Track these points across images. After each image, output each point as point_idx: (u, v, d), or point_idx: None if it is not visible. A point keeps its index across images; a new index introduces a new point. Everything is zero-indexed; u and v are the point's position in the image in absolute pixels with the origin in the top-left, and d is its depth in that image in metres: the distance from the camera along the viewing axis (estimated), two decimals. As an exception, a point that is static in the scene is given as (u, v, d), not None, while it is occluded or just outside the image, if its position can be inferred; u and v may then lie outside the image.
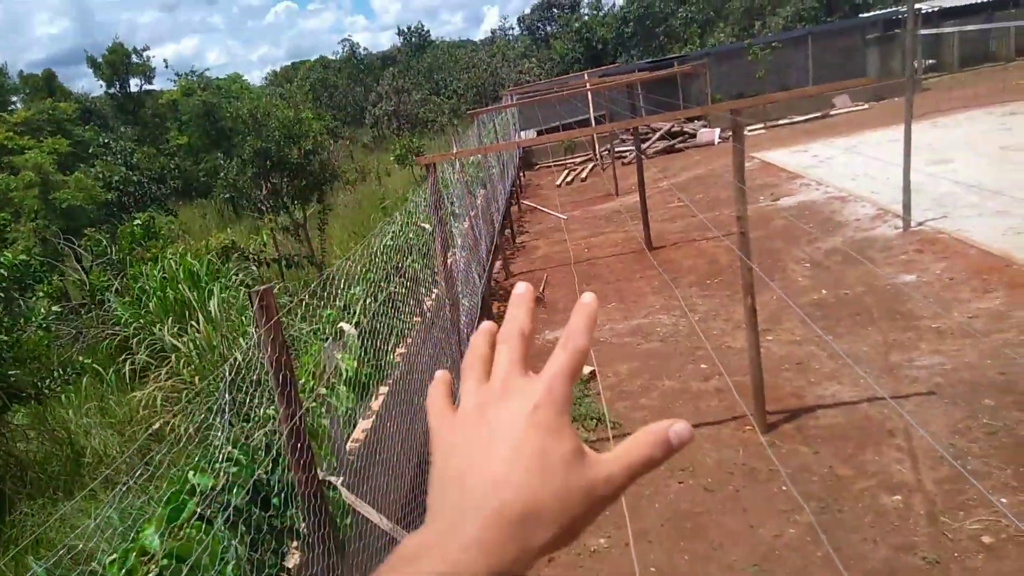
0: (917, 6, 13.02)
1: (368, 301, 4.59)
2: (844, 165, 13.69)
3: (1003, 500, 4.49)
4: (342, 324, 3.88)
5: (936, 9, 26.09)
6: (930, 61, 25.16)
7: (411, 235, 5.75)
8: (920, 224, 9.52)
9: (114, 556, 2.01)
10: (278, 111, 13.85)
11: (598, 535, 4.98)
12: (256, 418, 2.98)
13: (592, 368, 7.46)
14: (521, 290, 0.58)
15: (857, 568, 4.20)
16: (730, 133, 6.64)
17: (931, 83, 23.10)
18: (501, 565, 0.45)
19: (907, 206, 9.40)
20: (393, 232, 5.53)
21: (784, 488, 5.06)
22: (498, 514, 0.46)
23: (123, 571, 1.91)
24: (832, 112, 21.44)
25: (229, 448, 2.45)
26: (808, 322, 6.67)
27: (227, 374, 2.49)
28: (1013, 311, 6.82)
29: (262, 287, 2.20)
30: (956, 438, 5.18)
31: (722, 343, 7.56)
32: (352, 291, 4.51)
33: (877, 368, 6.37)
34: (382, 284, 4.96)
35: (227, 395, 2.43)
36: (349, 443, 4.29)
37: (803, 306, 8.01)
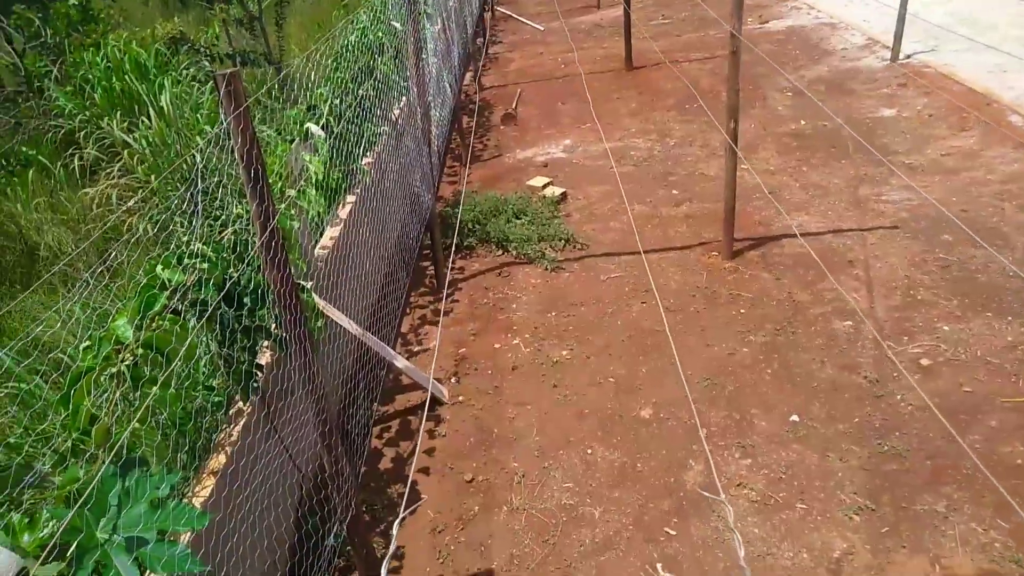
0: None
1: (336, 103, 4.29)
2: (838, -12, 12.92)
3: (944, 328, 4.74)
4: (309, 124, 3.64)
5: None
6: None
7: (380, 34, 5.30)
8: (908, 57, 9.21)
9: (87, 344, 1.96)
10: None
11: (560, 348, 5.16)
12: (224, 217, 2.85)
13: (563, 190, 7.37)
14: None
15: (803, 385, 4.47)
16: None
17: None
18: None
19: (899, 36, 9.02)
20: (362, 27, 5.08)
21: (743, 311, 5.24)
22: None
23: (97, 359, 1.87)
24: (832, -72, 19.91)
25: (199, 244, 2.34)
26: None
27: (199, 162, 2.32)
28: (985, 150, 6.82)
29: (228, 70, 1.97)
30: (911, 270, 5.35)
31: (695, 170, 7.48)
32: (318, 90, 4.20)
33: (846, 201, 6.42)
34: (350, 85, 4.63)
35: (199, 185, 2.28)
36: (318, 249, 4.22)
37: (781, 136, 7.89)
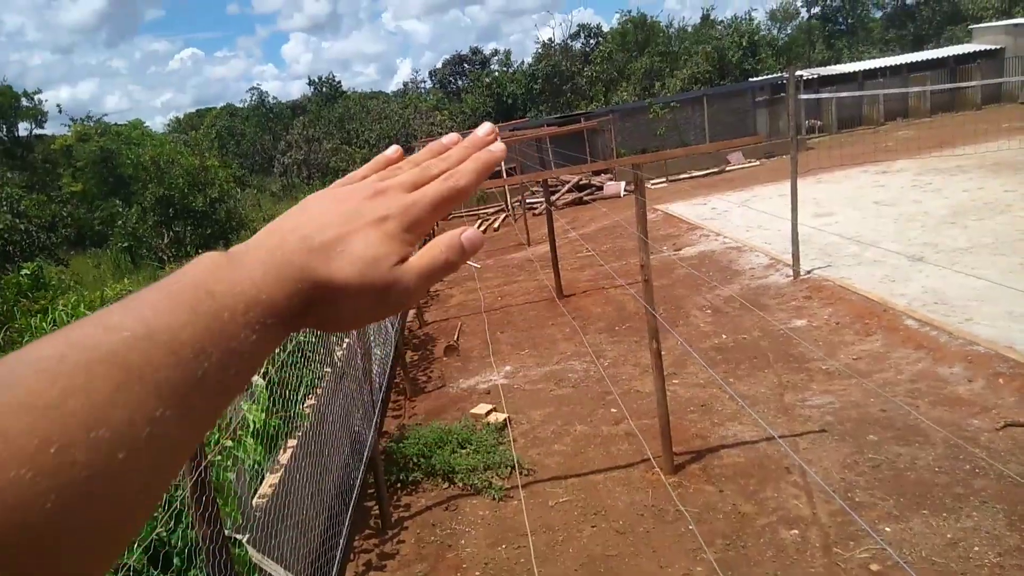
0: (798, 73, 14.17)
1: (277, 351, 4.50)
2: (739, 217, 14.55)
3: (887, 529, 4.80)
4: (250, 374, 3.78)
5: (816, 76, 28.43)
6: (816, 122, 27.27)
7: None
8: (808, 272, 10.21)
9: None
10: (182, 158, 13.45)
11: (513, 583, 4.97)
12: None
13: (506, 415, 7.51)
14: (485, 130, 0.59)
15: (760, 602, 4.37)
16: (634, 186, 6.99)
17: (815, 143, 25.00)
18: (280, 273, 0.45)
19: (796, 256, 10.07)
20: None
21: (691, 527, 5.22)
22: (301, 239, 0.47)
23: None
24: (728, 168, 22.82)
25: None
26: (707, 368, 6.99)
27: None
28: (890, 352, 7.38)
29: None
30: (845, 472, 5.51)
31: (631, 387, 7.79)
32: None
33: (773, 408, 6.73)
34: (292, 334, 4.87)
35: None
36: (256, 498, 4.15)
37: (705, 351, 8.39)
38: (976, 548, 4.47)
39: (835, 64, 38.91)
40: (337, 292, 0.46)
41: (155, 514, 2.57)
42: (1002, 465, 5.21)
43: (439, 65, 57.61)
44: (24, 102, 36.68)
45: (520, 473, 6.42)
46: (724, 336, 8.69)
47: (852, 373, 7.09)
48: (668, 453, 5.95)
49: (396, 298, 0.48)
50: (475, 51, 54.55)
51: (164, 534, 2.46)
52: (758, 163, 22.98)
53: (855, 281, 9.51)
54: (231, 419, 3.51)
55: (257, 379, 3.79)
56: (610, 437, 6.80)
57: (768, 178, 18.96)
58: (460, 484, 6.36)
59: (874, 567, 4.48)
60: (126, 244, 13.43)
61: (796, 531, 4.96)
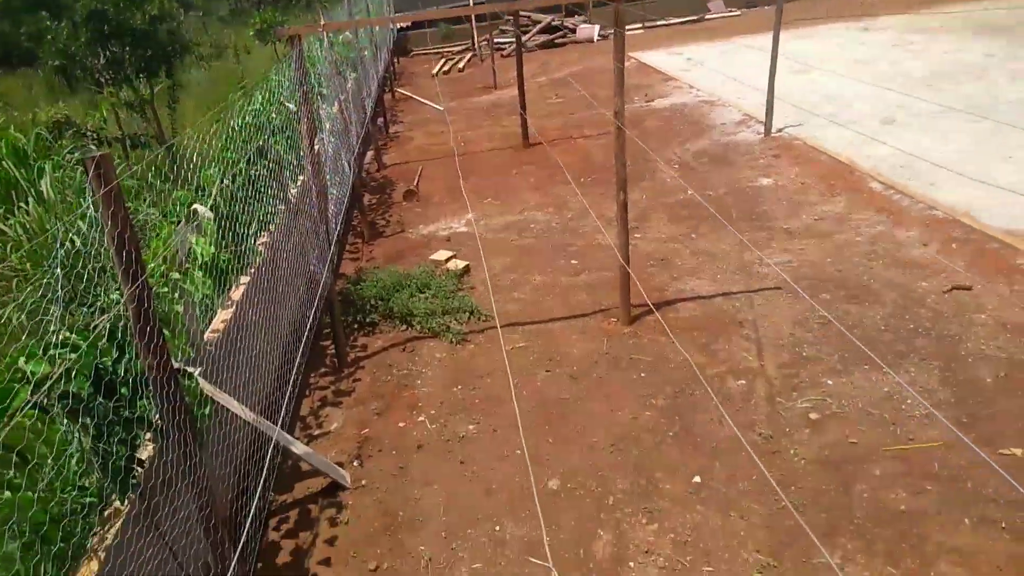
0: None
1: (226, 183, 4.23)
2: (714, 70, 14.03)
3: (829, 382, 5.00)
4: (196, 205, 3.55)
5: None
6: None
7: (273, 114, 5.30)
8: (779, 130, 10.02)
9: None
10: (117, -33, 12.10)
11: (467, 422, 5.11)
12: (100, 304, 2.71)
13: (466, 263, 7.45)
14: None
15: (704, 446, 4.58)
16: (610, 31, 6.48)
17: (798, -5, 23.80)
18: None
19: (770, 112, 9.82)
20: (254, 110, 5.07)
21: (643, 375, 5.37)
22: None
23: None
24: (708, 16, 21.75)
25: (65, 332, 2.21)
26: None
27: (58, 251, 2.20)
28: (852, 214, 7.41)
29: (97, 153, 1.91)
30: (796, 328, 5.66)
31: (593, 240, 7.75)
32: (207, 171, 4.13)
33: (733, 265, 6.78)
34: (241, 166, 4.58)
35: (59, 270, 2.16)
36: (208, 333, 4.05)
37: (671, 205, 8.32)
38: (909, 400, 4.70)
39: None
40: None
41: (97, 342, 2.44)
42: (944, 325, 5.40)
43: None
44: None
45: (478, 319, 6.45)
46: (690, 192, 8.59)
47: (813, 233, 7.13)
48: (626, 304, 6.00)
49: None
50: None
51: (108, 363, 2.34)
52: (739, 13, 21.95)
53: (825, 142, 9.38)
54: (177, 251, 3.33)
55: (205, 211, 3.57)
56: (569, 287, 6.82)
57: (747, 29, 18.17)
58: (418, 327, 6.38)
59: (813, 416, 4.70)
60: (58, 63, 12.33)
61: (743, 381, 5.14)
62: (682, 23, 21.20)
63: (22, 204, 6.26)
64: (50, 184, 6.31)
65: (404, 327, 6.45)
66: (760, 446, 4.50)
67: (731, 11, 22.15)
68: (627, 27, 5.40)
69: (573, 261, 7.33)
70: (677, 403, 5.02)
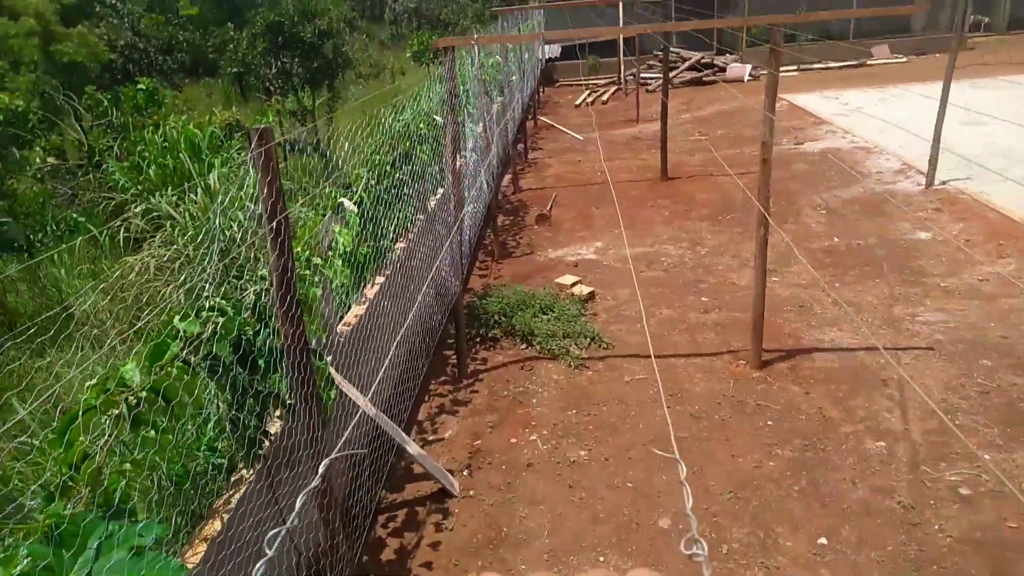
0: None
1: (372, 183, 4.42)
2: (874, 116, 13.26)
3: (986, 456, 4.48)
4: (342, 199, 3.73)
5: (993, -34, 24.76)
6: (983, 19, 24.00)
7: (422, 125, 5.52)
8: (943, 183, 9.26)
9: (92, 382, 1.93)
10: (296, -16, 13.20)
11: (579, 447, 5.00)
12: (249, 278, 2.87)
13: (592, 289, 7.37)
14: None
15: (833, 505, 4.22)
16: (762, 72, 6.24)
17: (976, 42, 22.17)
18: None
19: (934, 162, 9.11)
20: (404, 120, 5.30)
21: (770, 423, 5.05)
22: None
23: (100, 397, 1.83)
24: (869, 62, 20.68)
25: (216, 299, 2.35)
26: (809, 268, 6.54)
27: (216, 209, 2.35)
28: (1025, 278, 6.69)
29: (261, 126, 2.04)
30: (949, 394, 5.14)
31: (726, 279, 7.45)
32: (356, 171, 4.34)
33: (879, 319, 6.29)
34: (388, 169, 4.78)
35: (216, 244, 2.31)
36: (340, 326, 4.22)
37: (813, 251, 7.87)
38: (1085, 491, 4.12)
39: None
40: None
41: (244, 313, 2.58)
42: None
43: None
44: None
45: (599, 346, 6.34)
46: (836, 239, 8.10)
47: (975, 293, 6.49)
48: (757, 347, 5.70)
49: None
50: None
51: (250, 333, 2.47)
52: (905, 60, 20.69)
53: (996, 197, 8.56)
54: (321, 239, 3.49)
55: (350, 204, 3.73)
56: (697, 324, 6.57)
57: (914, 77, 17.06)
58: (538, 347, 6.36)
59: (964, 491, 4.22)
60: (235, 71, 13.52)
61: (883, 443, 4.71)
62: (840, 68, 20.26)
63: (192, 194, 6.86)
64: (217, 177, 6.88)
65: (524, 345, 6.45)
66: (898, 515, 4.09)
67: (897, 57, 20.93)
68: (782, 68, 5.19)
69: (704, 298, 7.07)
70: (805, 456, 4.67)
